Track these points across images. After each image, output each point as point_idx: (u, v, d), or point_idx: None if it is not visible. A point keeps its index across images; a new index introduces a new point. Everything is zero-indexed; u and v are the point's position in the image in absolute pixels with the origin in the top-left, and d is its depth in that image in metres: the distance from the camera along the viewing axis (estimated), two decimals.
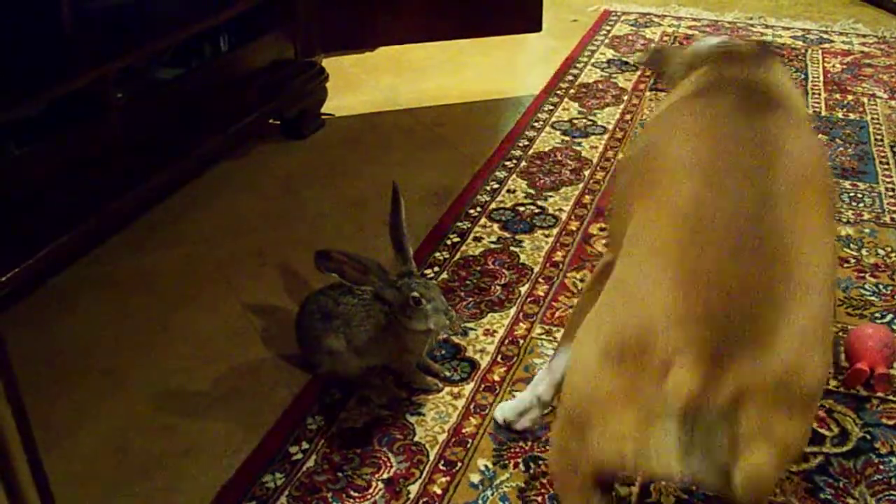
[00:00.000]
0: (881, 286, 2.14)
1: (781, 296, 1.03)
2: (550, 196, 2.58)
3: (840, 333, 1.97)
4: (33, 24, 2.13)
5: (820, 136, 2.94)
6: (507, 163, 2.77)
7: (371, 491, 1.58)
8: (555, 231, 2.39)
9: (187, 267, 2.27)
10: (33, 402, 1.01)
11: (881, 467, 1.62)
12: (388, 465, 1.64)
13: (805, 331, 1.03)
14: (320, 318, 1.81)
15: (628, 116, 3.11)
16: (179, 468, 1.65)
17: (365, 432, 1.72)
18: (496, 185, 2.64)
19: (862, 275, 2.18)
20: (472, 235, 2.38)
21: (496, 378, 1.85)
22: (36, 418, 0.97)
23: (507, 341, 1.97)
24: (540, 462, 1.63)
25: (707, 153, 1.17)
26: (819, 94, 3.28)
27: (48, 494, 1.01)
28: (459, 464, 1.63)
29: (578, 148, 2.87)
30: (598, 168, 2.74)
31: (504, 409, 1.71)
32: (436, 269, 2.23)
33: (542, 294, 2.13)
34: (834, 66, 3.57)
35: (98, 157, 2.19)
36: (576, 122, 3.07)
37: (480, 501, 1.56)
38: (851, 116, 3.10)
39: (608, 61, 3.63)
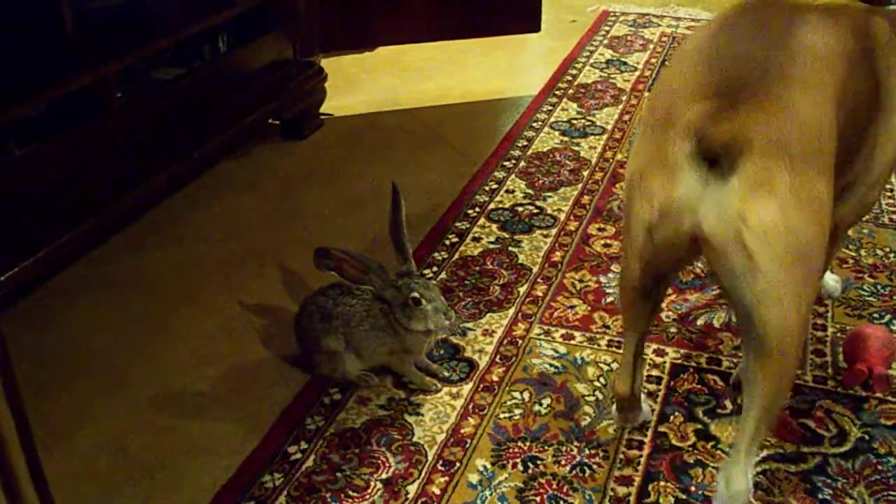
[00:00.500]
0: (879, 286, 2.14)
1: (781, 74, 1.26)
2: (549, 196, 2.58)
3: (838, 334, 1.97)
4: (34, 24, 2.13)
5: None
6: (506, 163, 2.78)
7: (370, 491, 1.58)
8: (553, 231, 2.39)
9: (187, 267, 2.28)
10: (33, 402, 1.02)
11: (879, 467, 1.63)
12: (387, 465, 1.64)
13: (800, 103, 1.24)
14: (320, 318, 1.81)
15: (627, 117, 3.11)
16: (179, 468, 1.66)
17: (364, 432, 1.72)
18: (495, 186, 2.64)
19: (860, 275, 2.18)
20: (470, 235, 2.38)
21: (495, 378, 1.86)
22: (35, 418, 0.98)
23: (505, 341, 1.97)
24: (538, 462, 1.64)
25: (724, 36, 1.37)
26: None
27: (47, 494, 1.01)
28: (458, 464, 1.64)
29: (577, 148, 2.88)
30: (597, 168, 2.74)
31: None
32: (434, 269, 2.23)
33: (540, 294, 2.13)
34: None
35: (98, 158, 2.19)
36: (574, 122, 3.07)
37: (479, 501, 1.56)
38: None
39: (607, 62, 3.63)
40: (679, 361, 1.90)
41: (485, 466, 1.63)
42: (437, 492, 1.58)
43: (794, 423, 1.73)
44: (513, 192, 2.61)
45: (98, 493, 1.61)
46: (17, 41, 2.14)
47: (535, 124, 3.05)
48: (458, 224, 2.44)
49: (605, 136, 2.96)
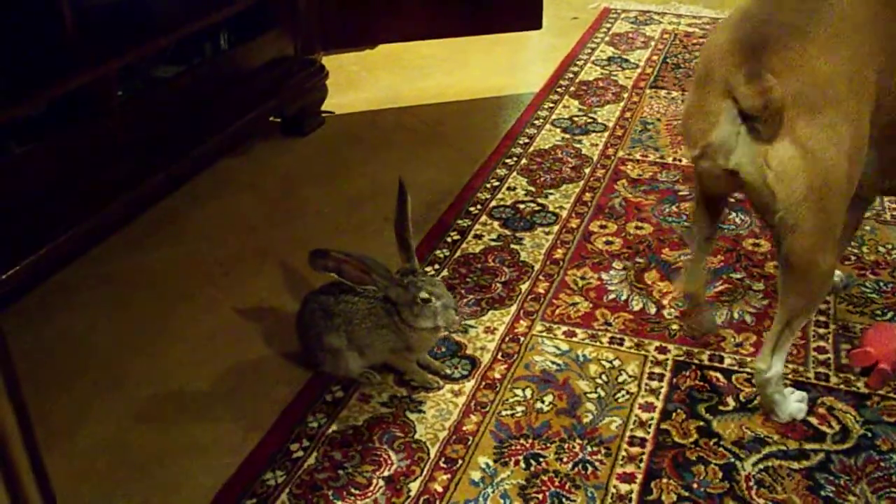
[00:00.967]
0: (882, 283, 2.14)
1: (803, 33, 1.43)
2: (551, 193, 2.57)
3: (840, 331, 1.97)
4: (34, 23, 2.13)
5: None
6: (508, 160, 2.77)
7: (372, 488, 1.58)
8: (555, 228, 2.39)
9: (187, 265, 2.28)
10: (34, 400, 1.01)
11: (882, 464, 1.62)
12: (389, 462, 1.64)
13: (818, 58, 1.42)
14: (321, 315, 1.81)
15: (628, 114, 3.11)
16: (180, 466, 1.65)
17: (366, 430, 1.72)
18: (497, 183, 2.64)
19: (863, 272, 2.18)
20: (472, 233, 2.38)
21: (497, 376, 1.85)
22: (36, 417, 0.97)
23: (507, 339, 1.97)
24: (541, 459, 1.63)
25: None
26: None
27: (49, 492, 1.01)
28: (460, 461, 1.64)
29: (579, 145, 2.87)
30: (599, 165, 2.74)
31: None
32: (436, 266, 2.23)
33: (542, 291, 2.13)
34: None
35: (99, 156, 2.19)
36: (576, 119, 3.07)
37: (481, 499, 1.56)
38: None
39: (608, 59, 3.63)
40: (681, 359, 1.90)
41: (487, 464, 1.63)
42: (440, 489, 1.58)
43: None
44: (514, 189, 2.60)
45: (98, 491, 1.60)
46: (17, 40, 2.13)
47: (536, 122, 3.05)
48: (459, 221, 2.43)
49: (606, 134, 2.95)
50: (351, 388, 1.83)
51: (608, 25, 4.05)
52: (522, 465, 1.63)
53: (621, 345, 1.94)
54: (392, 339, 1.79)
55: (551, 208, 2.49)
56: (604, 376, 1.85)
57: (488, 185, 2.62)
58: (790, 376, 1.82)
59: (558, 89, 3.32)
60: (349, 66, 3.58)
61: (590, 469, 1.62)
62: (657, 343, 1.94)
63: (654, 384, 1.83)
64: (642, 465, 1.63)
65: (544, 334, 1.98)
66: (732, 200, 2.51)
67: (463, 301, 2.09)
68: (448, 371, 1.87)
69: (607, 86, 3.36)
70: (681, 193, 2.56)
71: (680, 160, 2.76)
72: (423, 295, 1.71)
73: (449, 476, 1.60)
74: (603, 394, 1.80)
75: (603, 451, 1.66)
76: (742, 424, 1.72)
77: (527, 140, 2.91)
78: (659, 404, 1.77)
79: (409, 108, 3.20)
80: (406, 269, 1.77)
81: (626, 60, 3.61)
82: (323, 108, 3.06)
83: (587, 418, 1.74)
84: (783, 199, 1.45)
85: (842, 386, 1.81)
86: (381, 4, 3.66)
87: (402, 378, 1.85)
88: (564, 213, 2.46)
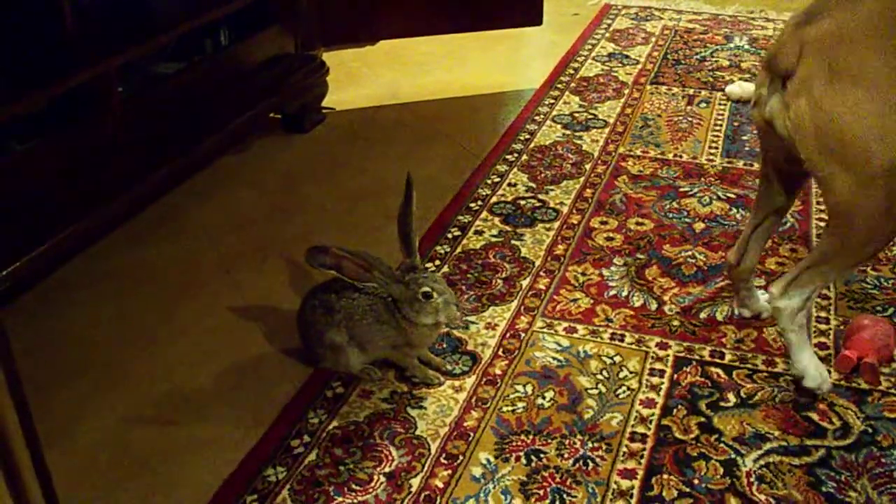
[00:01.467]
0: (882, 279, 2.14)
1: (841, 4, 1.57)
2: (551, 190, 2.57)
3: (841, 327, 1.97)
4: (35, 20, 2.13)
5: None
6: (508, 156, 2.77)
7: (373, 484, 1.58)
8: (556, 225, 2.39)
9: (188, 261, 2.28)
10: (35, 397, 1.01)
11: (883, 460, 1.63)
12: (390, 458, 1.64)
13: (847, 26, 1.54)
14: (322, 311, 1.81)
15: (629, 110, 3.10)
16: (181, 462, 1.66)
17: (366, 426, 1.72)
18: (497, 179, 2.64)
19: (864, 268, 2.18)
20: (473, 229, 2.38)
21: (497, 372, 1.85)
22: (37, 413, 0.97)
23: (508, 335, 1.97)
24: (541, 455, 1.64)
25: None
26: None
27: (51, 488, 1.01)
28: (461, 457, 1.64)
29: (579, 142, 2.87)
30: (599, 162, 2.73)
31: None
32: (437, 262, 2.23)
33: (543, 287, 2.13)
34: None
35: (100, 153, 2.19)
36: (577, 115, 3.07)
37: (482, 495, 1.56)
38: None
39: (609, 55, 3.63)
40: (682, 355, 1.90)
41: (488, 460, 1.63)
42: (441, 485, 1.58)
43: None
44: (515, 185, 2.60)
45: (100, 487, 1.61)
46: (18, 37, 2.13)
47: (537, 118, 3.05)
48: (460, 217, 2.43)
49: (607, 130, 2.95)
50: (352, 384, 1.83)
51: (609, 21, 4.05)
52: (523, 461, 1.63)
53: (622, 341, 1.94)
54: (393, 336, 1.79)
55: (552, 204, 2.49)
56: (605, 372, 1.85)
57: (489, 181, 2.62)
58: (791, 372, 1.82)
59: (559, 85, 3.32)
60: (350, 62, 3.58)
61: (591, 465, 1.62)
62: (658, 339, 1.94)
63: (655, 380, 1.83)
64: (643, 461, 1.63)
65: (545, 330, 1.98)
66: (732, 196, 2.51)
67: (464, 297, 2.09)
68: (449, 367, 1.87)
69: (608, 82, 3.36)
70: (681, 189, 2.56)
71: (681, 156, 2.75)
72: (426, 290, 1.72)
73: (450, 472, 1.61)
74: (604, 390, 1.80)
75: (604, 447, 1.66)
76: (743, 420, 1.72)
77: (527, 136, 2.91)
78: (660, 400, 1.77)
79: (410, 105, 3.20)
80: (407, 265, 1.77)
81: (627, 56, 3.61)
82: (323, 104, 3.06)
83: (588, 414, 1.74)
84: (801, 148, 1.60)
85: (843, 382, 1.81)
86: (381, 1, 3.66)
87: (403, 374, 1.85)
88: (565, 210, 2.46)
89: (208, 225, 2.44)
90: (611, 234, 2.34)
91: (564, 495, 1.55)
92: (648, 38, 3.82)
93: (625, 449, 1.65)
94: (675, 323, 2.00)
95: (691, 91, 3.25)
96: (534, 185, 2.60)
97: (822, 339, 1.94)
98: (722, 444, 1.66)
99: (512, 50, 3.77)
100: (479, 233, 2.36)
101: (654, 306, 2.06)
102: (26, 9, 2.11)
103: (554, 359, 1.89)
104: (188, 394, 1.83)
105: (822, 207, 2.45)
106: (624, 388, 1.81)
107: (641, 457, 1.64)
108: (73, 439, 1.71)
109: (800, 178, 1.83)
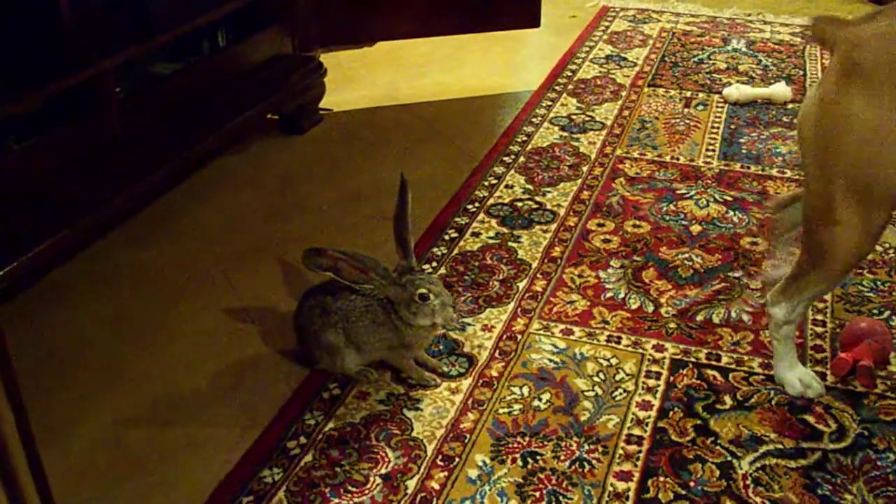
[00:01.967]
0: (879, 282, 2.14)
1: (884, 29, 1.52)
2: (548, 191, 2.58)
3: (837, 330, 1.97)
4: (32, 19, 2.13)
5: None
6: (506, 158, 2.77)
7: (369, 486, 1.58)
8: (553, 226, 2.39)
9: (186, 262, 2.28)
10: (32, 397, 1.01)
11: (879, 463, 1.63)
12: (386, 460, 1.64)
13: (873, 36, 1.51)
14: (319, 313, 1.81)
15: (626, 112, 3.11)
16: (177, 463, 1.66)
17: (363, 427, 1.72)
18: (494, 181, 2.64)
19: (860, 271, 2.18)
20: (470, 231, 2.38)
21: (494, 374, 1.86)
22: (34, 413, 0.97)
23: (505, 337, 1.97)
24: (538, 457, 1.64)
25: None
26: None
27: (46, 488, 1.01)
28: (457, 459, 1.64)
29: (576, 143, 2.87)
30: (597, 164, 2.74)
31: None
32: (434, 264, 2.23)
33: (540, 289, 2.13)
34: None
35: (97, 153, 2.19)
36: (574, 117, 3.07)
37: (478, 496, 1.56)
38: None
39: (606, 57, 3.63)
40: (678, 357, 1.90)
41: (484, 461, 1.63)
42: (437, 487, 1.58)
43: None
44: (512, 187, 2.60)
45: (97, 488, 1.61)
46: (16, 37, 2.13)
47: (534, 119, 3.05)
48: (457, 219, 2.43)
49: (604, 132, 2.96)
50: (348, 385, 1.83)
51: (606, 24, 4.05)
52: (519, 462, 1.63)
53: (619, 343, 1.94)
54: (390, 337, 1.79)
55: (549, 206, 2.50)
56: (601, 374, 1.85)
57: (486, 183, 2.62)
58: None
59: (556, 87, 3.32)
60: (347, 63, 3.58)
61: (587, 467, 1.62)
62: (654, 341, 1.95)
63: (652, 382, 1.83)
64: (639, 463, 1.63)
65: (542, 332, 1.98)
66: (729, 199, 2.51)
67: (460, 299, 2.09)
68: (445, 369, 1.87)
69: (605, 84, 3.36)
70: (678, 192, 2.56)
71: (678, 159, 2.76)
72: (422, 291, 1.72)
73: (446, 474, 1.61)
74: (600, 392, 1.80)
75: (600, 449, 1.66)
76: (739, 423, 1.72)
77: (525, 138, 2.91)
78: (656, 402, 1.77)
79: (408, 106, 3.20)
80: (404, 266, 1.77)
81: (625, 59, 3.61)
82: (321, 105, 3.06)
83: (584, 416, 1.74)
84: (799, 140, 1.62)
85: (839, 385, 1.82)
86: (379, 2, 3.66)
87: (400, 376, 1.85)
88: (562, 212, 2.47)
89: (205, 225, 2.44)
90: (608, 237, 2.34)
91: (561, 497, 1.56)
92: (646, 41, 3.82)
93: (621, 451, 1.66)
94: (672, 325, 2.00)
95: (688, 93, 3.25)
96: (531, 187, 2.60)
97: (819, 342, 1.94)
98: (718, 447, 1.66)
99: (510, 52, 3.77)
100: (475, 234, 2.36)
101: (650, 309, 2.06)
102: (25, 8, 2.10)
103: (550, 361, 1.89)
104: (185, 394, 1.83)
105: None
106: (620, 390, 1.81)
107: (638, 459, 1.64)
108: (70, 440, 1.71)
109: None
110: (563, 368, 1.87)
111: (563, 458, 1.64)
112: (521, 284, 2.15)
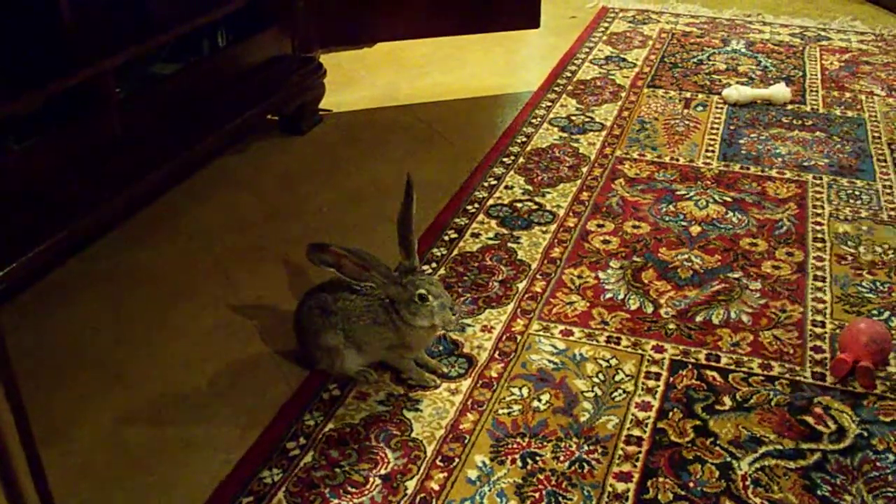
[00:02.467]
0: (878, 283, 2.14)
1: None
2: (548, 192, 2.58)
3: (837, 330, 1.97)
4: (32, 20, 2.13)
5: (817, 133, 2.95)
6: (505, 159, 2.78)
7: (368, 487, 1.58)
8: (552, 227, 2.39)
9: (186, 262, 2.28)
10: (31, 397, 1.01)
11: (878, 464, 1.63)
12: (386, 460, 1.64)
13: None
14: (319, 313, 1.81)
15: (626, 113, 3.11)
16: (177, 463, 1.66)
17: (362, 428, 1.72)
18: (494, 182, 2.64)
19: (859, 272, 2.18)
20: (469, 231, 2.38)
21: (493, 374, 1.86)
22: (34, 413, 0.98)
23: (504, 337, 1.97)
24: (537, 458, 1.64)
25: None
26: (817, 92, 3.28)
27: (46, 488, 1.01)
28: (457, 460, 1.64)
29: (576, 144, 2.88)
30: (596, 164, 2.74)
31: None
32: (434, 265, 2.23)
33: (539, 290, 2.13)
34: (832, 64, 3.58)
35: (97, 153, 2.19)
36: (574, 118, 3.07)
37: (478, 497, 1.56)
38: (849, 114, 3.10)
39: (606, 58, 3.63)
40: (678, 358, 1.90)
41: (483, 462, 1.63)
42: (436, 487, 1.58)
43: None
44: (512, 188, 2.60)
45: (96, 488, 1.61)
46: (16, 37, 2.13)
47: (534, 120, 3.05)
48: (456, 220, 2.44)
49: (603, 133, 2.96)
50: (348, 386, 1.83)
51: (606, 24, 4.06)
52: (519, 463, 1.63)
53: (618, 344, 1.94)
54: (390, 337, 1.79)
55: (549, 207, 2.50)
56: (600, 375, 1.85)
57: (486, 184, 2.62)
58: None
59: (556, 88, 3.33)
60: (347, 64, 3.58)
61: (586, 468, 1.62)
62: (654, 342, 1.95)
63: (651, 383, 1.83)
64: (639, 463, 1.63)
65: (541, 333, 1.98)
66: (729, 200, 2.51)
67: (460, 300, 2.09)
68: (445, 369, 1.87)
69: (605, 85, 3.36)
70: (678, 193, 2.56)
71: (677, 160, 2.76)
72: (421, 292, 1.72)
73: (445, 474, 1.61)
74: (600, 393, 1.80)
75: (599, 449, 1.66)
76: (738, 424, 1.72)
77: (524, 139, 2.91)
78: (656, 403, 1.77)
79: (407, 107, 3.20)
80: (406, 266, 1.77)
81: (624, 60, 3.61)
82: (321, 106, 3.06)
83: (584, 417, 1.74)
84: None
85: (838, 386, 1.82)
86: (379, 3, 3.66)
87: (399, 377, 1.85)
88: (562, 212, 2.47)
89: (205, 226, 2.44)
90: (607, 238, 2.34)
91: (560, 498, 1.56)
92: (645, 42, 3.82)
93: (620, 452, 1.66)
94: (671, 326, 2.00)
95: (688, 94, 3.25)
96: (530, 188, 2.60)
97: (819, 343, 1.94)
98: (717, 448, 1.66)
99: (509, 53, 3.77)
100: (475, 235, 2.36)
101: (650, 309, 2.06)
102: (25, 8, 2.10)
103: (550, 362, 1.89)
104: (185, 394, 1.83)
105: (819, 211, 2.45)
106: (620, 391, 1.81)
107: (637, 460, 1.64)
108: (70, 440, 1.71)
109: None
110: (563, 369, 1.87)
111: (562, 458, 1.64)
112: (521, 285, 2.15)
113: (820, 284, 2.14)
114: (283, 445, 1.68)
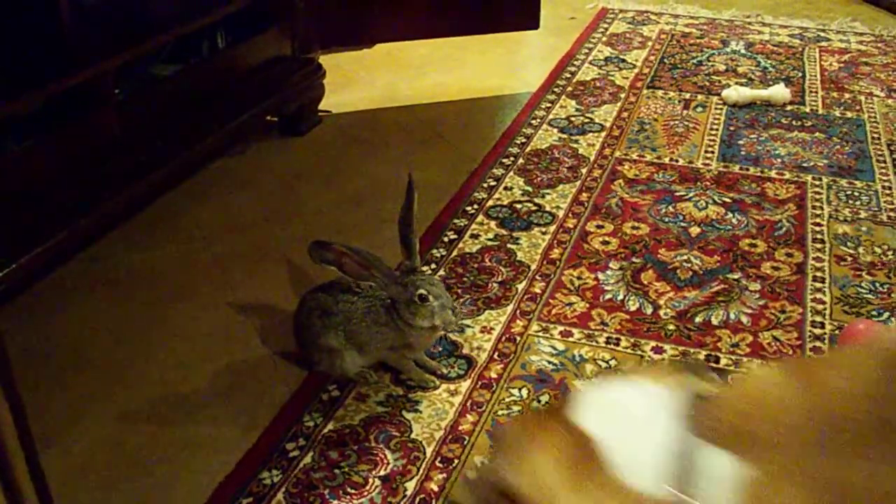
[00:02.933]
0: (878, 284, 2.14)
1: None
2: (548, 193, 2.58)
3: (836, 332, 1.97)
4: (32, 21, 2.13)
5: (817, 133, 2.95)
6: (505, 160, 2.78)
7: (368, 488, 1.58)
8: (552, 228, 2.39)
9: (185, 263, 2.28)
10: (30, 398, 1.01)
11: None
12: (385, 461, 1.64)
13: None
14: (319, 315, 1.81)
15: (625, 114, 3.11)
16: (176, 464, 1.66)
17: (362, 429, 1.72)
18: (493, 183, 2.64)
19: (859, 273, 2.19)
20: (469, 232, 2.38)
21: (493, 375, 1.86)
22: (33, 414, 0.98)
23: (504, 338, 1.97)
24: None
25: None
26: (816, 93, 3.29)
27: (45, 489, 1.01)
28: (456, 461, 1.64)
29: (575, 145, 2.88)
30: (595, 165, 2.74)
31: None
32: (433, 265, 2.23)
33: (539, 291, 2.13)
34: (831, 65, 3.58)
35: (96, 154, 2.19)
36: (573, 119, 3.07)
37: None
38: (848, 115, 3.11)
39: (606, 59, 3.63)
40: (677, 359, 1.90)
41: (483, 463, 1.63)
42: (436, 488, 1.58)
43: None
44: (511, 188, 2.61)
45: (96, 489, 1.61)
46: (16, 37, 2.13)
47: (533, 121, 3.05)
48: (456, 221, 2.44)
49: (603, 134, 2.96)
50: (347, 387, 1.83)
51: (605, 25, 4.06)
52: None
53: (618, 344, 1.95)
54: (392, 338, 1.79)
55: (548, 208, 2.50)
56: (600, 376, 1.85)
57: (485, 185, 2.63)
58: None
59: (555, 89, 3.33)
60: (347, 65, 3.58)
61: None
62: (653, 343, 1.95)
63: None
64: None
65: (540, 334, 1.99)
66: (728, 201, 2.51)
67: (459, 301, 2.09)
68: (444, 370, 1.87)
69: (604, 86, 3.36)
70: (677, 194, 2.56)
71: (677, 160, 2.76)
72: (421, 292, 1.72)
73: (445, 475, 1.61)
74: None
75: None
76: None
77: (524, 140, 2.92)
78: None
79: (407, 108, 3.20)
80: (407, 266, 1.77)
81: (624, 60, 3.62)
82: (320, 107, 3.06)
83: None
84: None
85: None
86: (378, 4, 3.66)
87: (399, 377, 1.85)
88: (561, 213, 2.47)
89: (205, 227, 2.44)
90: (607, 238, 2.34)
91: None
92: (645, 43, 3.82)
93: None
94: (671, 327, 2.00)
95: (688, 95, 3.26)
96: (530, 189, 2.60)
97: (818, 344, 1.94)
98: None
99: (509, 53, 3.77)
100: (475, 236, 2.36)
101: (649, 310, 2.06)
102: (24, 8, 2.10)
103: (549, 363, 1.89)
104: (184, 395, 1.83)
105: (818, 212, 2.46)
106: None
107: None
108: (69, 440, 1.71)
109: None
110: (562, 370, 1.87)
111: None
112: (520, 286, 2.15)
113: (819, 285, 2.14)
114: (282, 446, 1.68)
